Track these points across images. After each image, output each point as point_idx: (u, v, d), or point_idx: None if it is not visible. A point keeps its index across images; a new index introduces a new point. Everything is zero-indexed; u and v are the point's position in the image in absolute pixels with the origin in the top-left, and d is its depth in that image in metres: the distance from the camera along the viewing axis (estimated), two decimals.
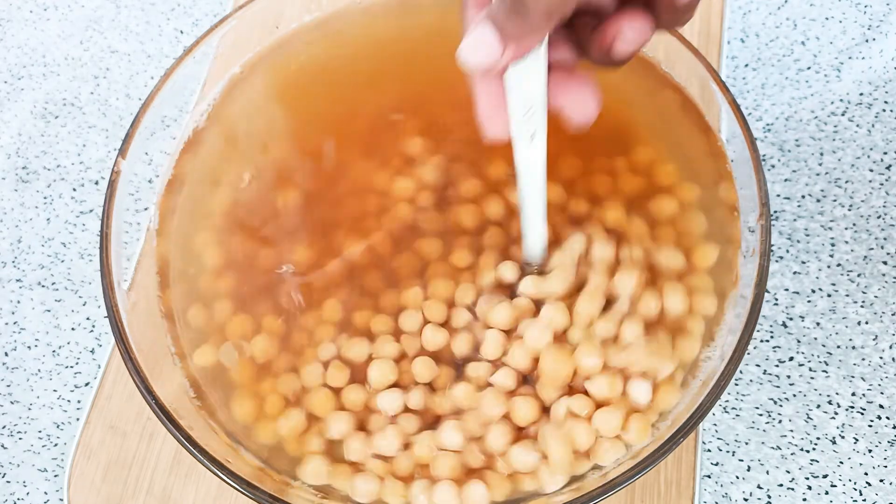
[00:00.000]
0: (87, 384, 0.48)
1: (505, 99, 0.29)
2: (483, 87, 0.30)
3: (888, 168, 0.50)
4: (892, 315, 0.46)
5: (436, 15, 0.44)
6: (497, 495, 0.34)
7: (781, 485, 0.42)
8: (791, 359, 0.45)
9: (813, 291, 0.47)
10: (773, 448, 0.43)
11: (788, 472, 0.42)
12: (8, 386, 0.48)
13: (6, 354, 0.49)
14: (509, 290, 0.37)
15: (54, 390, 0.48)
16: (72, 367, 0.48)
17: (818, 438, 0.43)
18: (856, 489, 0.41)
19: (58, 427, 0.46)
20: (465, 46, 0.26)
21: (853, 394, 0.44)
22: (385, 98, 0.44)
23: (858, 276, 0.47)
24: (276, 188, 0.42)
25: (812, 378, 0.44)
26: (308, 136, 0.43)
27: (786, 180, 0.50)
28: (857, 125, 0.52)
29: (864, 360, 0.45)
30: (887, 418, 0.43)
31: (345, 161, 0.42)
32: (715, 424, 0.43)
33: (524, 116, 0.29)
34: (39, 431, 0.46)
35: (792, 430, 0.43)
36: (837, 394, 0.44)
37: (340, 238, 0.40)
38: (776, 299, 0.47)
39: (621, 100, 0.42)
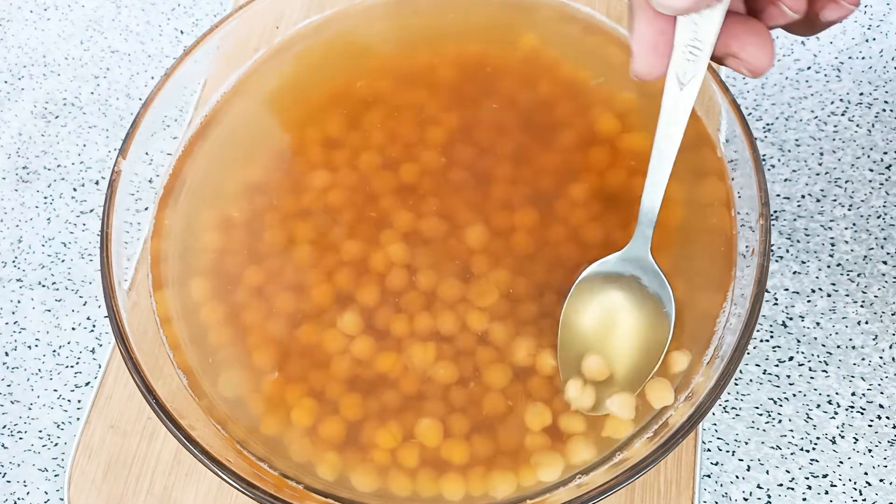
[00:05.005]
0: (87, 384, 0.48)
1: (667, 32, 0.27)
2: (645, 17, 0.28)
3: (888, 168, 0.50)
4: (892, 315, 0.46)
5: (435, 15, 0.44)
6: (500, 492, 0.34)
7: (781, 484, 0.42)
8: (791, 358, 0.45)
9: (813, 291, 0.47)
10: (773, 448, 0.43)
11: (788, 471, 0.42)
12: (8, 386, 0.48)
13: (7, 354, 0.49)
14: None
15: (55, 390, 0.48)
16: (72, 366, 0.48)
17: (818, 438, 0.43)
18: (856, 489, 0.41)
19: (58, 427, 0.47)
20: None
21: (853, 394, 0.44)
22: (386, 97, 0.44)
23: (858, 276, 0.47)
24: (278, 189, 0.42)
25: (812, 378, 0.44)
26: (309, 136, 0.43)
27: (786, 180, 0.50)
28: (857, 125, 0.52)
29: (864, 359, 0.45)
30: (887, 418, 0.43)
31: (345, 161, 0.42)
32: (715, 424, 0.43)
33: (688, 56, 0.28)
34: (40, 431, 0.46)
35: (792, 430, 0.43)
36: (837, 394, 0.44)
37: (344, 239, 0.40)
38: (776, 299, 0.47)
39: (621, 101, 0.42)
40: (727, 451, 0.43)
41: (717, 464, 0.43)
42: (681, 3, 0.25)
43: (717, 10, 0.26)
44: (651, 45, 0.28)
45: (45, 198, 0.54)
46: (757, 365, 0.45)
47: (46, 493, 0.45)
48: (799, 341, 0.45)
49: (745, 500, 0.42)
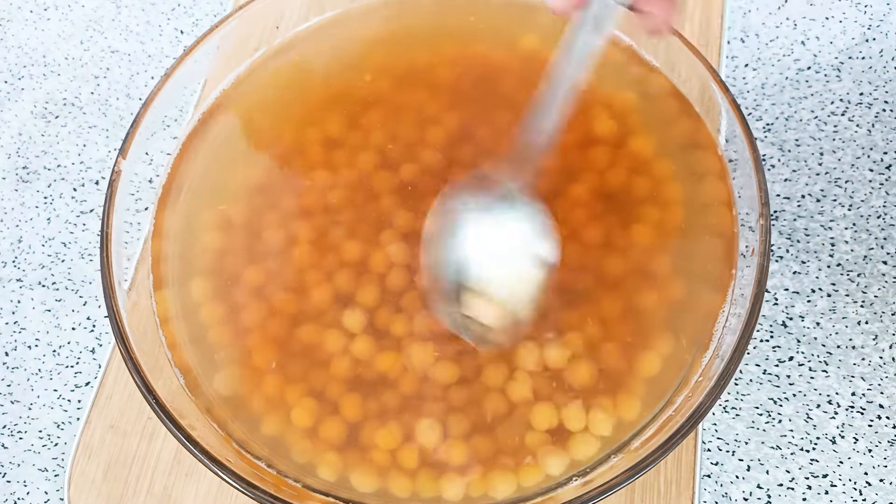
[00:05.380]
0: (87, 384, 0.48)
1: None
2: None
3: (888, 168, 0.50)
4: (892, 315, 0.46)
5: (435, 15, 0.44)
6: (500, 492, 0.34)
7: (781, 484, 0.42)
8: (791, 358, 0.45)
9: (813, 291, 0.47)
10: (773, 448, 0.43)
11: (788, 471, 0.42)
12: (8, 386, 0.48)
13: (7, 354, 0.49)
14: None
15: (55, 390, 0.48)
16: (72, 366, 0.48)
17: (818, 438, 0.43)
18: (856, 489, 0.41)
19: (58, 427, 0.46)
20: None
21: (853, 394, 0.44)
22: (386, 97, 0.44)
23: (858, 276, 0.47)
24: (278, 189, 0.42)
25: (812, 378, 0.44)
26: (309, 136, 0.43)
27: (786, 180, 0.50)
28: (857, 125, 0.52)
29: (864, 359, 0.45)
30: (887, 418, 0.43)
31: (345, 161, 0.42)
32: (715, 424, 0.43)
33: (608, 2, 0.28)
34: (40, 431, 0.46)
35: (792, 430, 0.43)
36: (837, 394, 0.44)
37: (344, 239, 0.40)
38: (776, 299, 0.47)
39: (621, 100, 0.42)
40: (727, 451, 0.43)
41: (717, 464, 0.43)
42: None
43: None
44: None
45: (45, 198, 0.54)
46: (757, 365, 0.45)
47: (46, 493, 0.45)
48: (799, 341, 0.45)
49: (745, 500, 0.42)
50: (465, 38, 0.45)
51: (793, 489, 0.41)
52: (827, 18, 0.56)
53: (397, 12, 0.47)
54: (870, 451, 0.42)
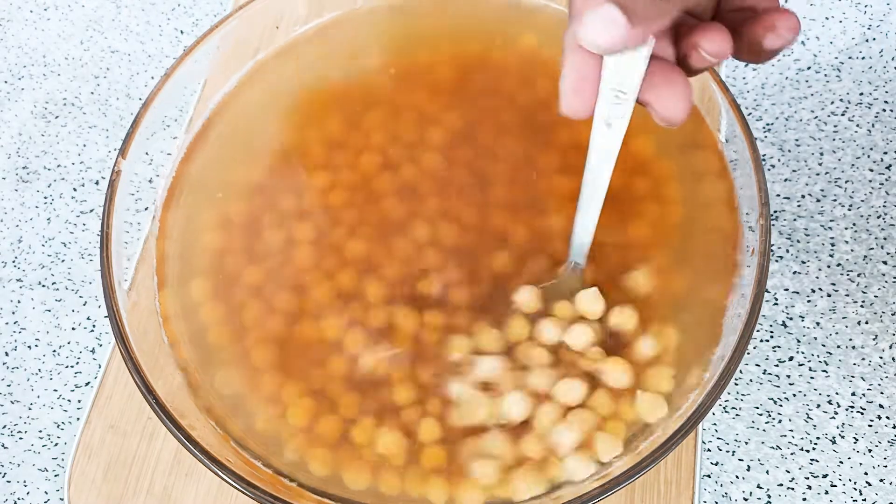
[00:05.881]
0: (87, 384, 0.48)
1: (591, 77, 0.28)
2: (574, 60, 0.28)
3: (888, 168, 0.50)
4: (892, 315, 0.46)
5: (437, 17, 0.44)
6: (498, 492, 0.34)
7: (781, 484, 0.42)
8: (791, 358, 0.45)
9: (813, 291, 0.47)
10: (773, 448, 0.43)
11: (788, 471, 0.42)
12: (8, 386, 0.48)
13: (6, 354, 0.49)
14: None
15: (55, 390, 0.48)
16: (72, 366, 0.48)
17: (818, 438, 0.43)
18: (856, 489, 0.41)
19: (58, 427, 0.47)
20: (589, 25, 0.25)
21: (853, 394, 0.44)
22: (386, 97, 0.44)
23: (858, 275, 0.47)
24: (278, 189, 0.42)
25: (812, 378, 0.44)
26: (309, 137, 0.43)
27: (786, 180, 0.50)
28: (857, 125, 0.52)
29: (864, 359, 0.45)
30: (887, 418, 0.43)
31: (346, 161, 0.42)
32: (715, 424, 0.43)
33: (613, 100, 0.29)
34: (40, 431, 0.46)
35: (792, 430, 0.43)
36: (837, 394, 0.44)
37: (345, 240, 0.40)
38: (776, 299, 0.47)
39: None
40: (727, 451, 0.43)
41: (717, 464, 0.43)
42: (603, 40, 0.25)
43: (639, 58, 0.27)
44: (574, 88, 0.29)
45: (45, 198, 0.54)
46: (757, 365, 0.45)
47: (46, 493, 0.45)
48: (799, 341, 0.45)
49: (745, 500, 0.42)
50: (465, 38, 0.45)
51: (793, 489, 0.41)
52: (827, 18, 0.56)
53: (398, 12, 0.47)
54: (870, 451, 0.42)
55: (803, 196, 0.50)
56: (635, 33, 0.25)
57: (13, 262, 0.52)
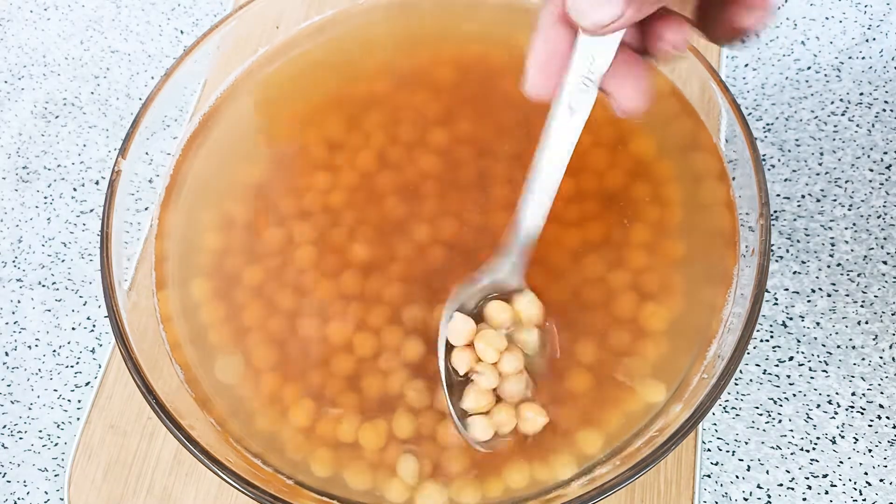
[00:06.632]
0: (87, 384, 0.48)
1: (561, 56, 0.28)
2: (543, 39, 0.28)
3: (888, 168, 0.50)
4: (892, 315, 0.46)
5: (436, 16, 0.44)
6: (493, 492, 0.34)
7: (781, 484, 0.42)
8: (791, 358, 0.45)
9: (813, 291, 0.47)
10: (773, 448, 0.43)
11: (788, 471, 0.42)
12: (8, 385, 0.48)
13: (6, 354, 0.49)
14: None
15: (55, 390, 0.48)
16: (72, 366, 0.48)
17: (818, 438, 0.43)
18: (856, 489, 0.41)
19: (58, 427, 0.47)
20: (582, 1, 0.25)
21: (853, 394, 0.44)
22: (387, 98, 0.44)
23: (858, 275, 0.47)
24: (278, 189, 0.42)
25: (812, 378, 0.44)
26: (309, 137, 0.43)
27: (786, 180, 0.50)
28: (857, 125, 0.52)
29: (864, 359, 0.45)
30: (887, 418, 0.43)
31: (346, 161, 0.42)
32: (715, 424, 0.43)
33: (580, 87, 0.28)
34: (40, 431, 0.46)
35: (792, 430, 0.43)
36: (837, 394, 0.44)
37: (345, 240, 0.40)
38: (776, 299, 0.47)
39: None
40: (727, 451, 0.43)
41: (717, 464, 0.43)
42: (598, 15, 0.25)
43: (612, 45, 0.27)
44: (542, 65, 0.28)
45: (45, 198, 0.54)
46: (757, 365, 0.45)
47: (46, 493, 0.45)
48: (799, 341, 0.45)
49: (745, 500, 0.42)
50: (465, 38, 0.45)
51: (793, 489, 0.41)
52: (827, 18, 0.56)
53: (398, 13, 0.47)
54: (870, 451, 0.42)
55: (803, 196, 0.50)
56: (628, 14, 0.25)
57: (13, 262, 0.52)
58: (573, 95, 0.29)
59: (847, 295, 0.47)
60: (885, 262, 0.47)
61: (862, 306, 0.46)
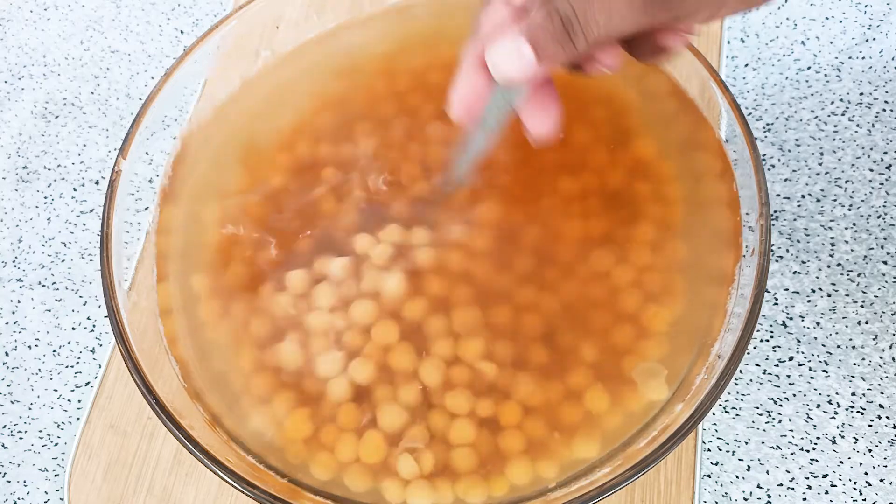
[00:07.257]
0: (87, 384, 0.48)
1: (479, 95, 0.31)
2: (464, 79, 0.31)
3: (888, 168, 0.50)
4: (892, 315, 0.46)
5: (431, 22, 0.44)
6: (495, 491, 0.34)
7: (781, 484, 0.42)
8: (791, 358, 0.45)
9: (813, 291, 0.47)
10: (773, 448, 0.43)
11: (788, 471, 0.42)
12: (8, 385, 0.48)
13: (6, 354, 0.49)
14: None
15: (55, 390, 0.48)
16: (72, 366, 0.48)
17: (818, 438, 0.43)
18: (856, 489, 0.41)
19: (58, 426, 0.47)
20: (499, 54, 0.28)
21: (853, 393, 0.44)
22: (384, 101, 0.44)
23: (858, 275, 0.47)
24: (278, 190, 0.42)
25: (812, 378, 0.44)
26: (308, 137, 0.43)
27: (786, 180, 0.50)
28: (857, 125, 0.52)
29: (864, 359, 0.45)
30: (887, 418, 0.43)
31: (343, 163, 0.42)
32: (715, 424, 0.43)
33: (496, 112, 0.31)
34: (40, 431, 0.46)
35: (792, 430, 0.43)
36: (837, 394, 0.44)
37: (343, 236, 0.40)
38: (776, 299, 0.47)
39: (621, 100, 0.42)
40: (727, 451, 0.43)
41: (717, 464, 0.43)
42: (509, 70, 0.28)
43: (525, 87, 0.30)
44: (463, 100, 0.31)
45: (45, 198, 0.54)
46: (757, 365, 0.45)
47: (46, 493, 0.45)
48: (799, 341, 0.45)
49: (745, 500, 0.42)
50: (463, 41, 0.45)
51: (793, 489, 0.41)
52: (827, 18, 0.56)
53: (397, 15, 0.47)
54: (870, 451, 0.42)
55: (803, 196, 0.50)
56: (539, 69, 0.27)
57: (13, 262, 0.52)
58: (490, 117, 0.32)
59: (847, 295, 0.47)
60: (885, 262, 0.47)
61: (862, 306, 0.46)
